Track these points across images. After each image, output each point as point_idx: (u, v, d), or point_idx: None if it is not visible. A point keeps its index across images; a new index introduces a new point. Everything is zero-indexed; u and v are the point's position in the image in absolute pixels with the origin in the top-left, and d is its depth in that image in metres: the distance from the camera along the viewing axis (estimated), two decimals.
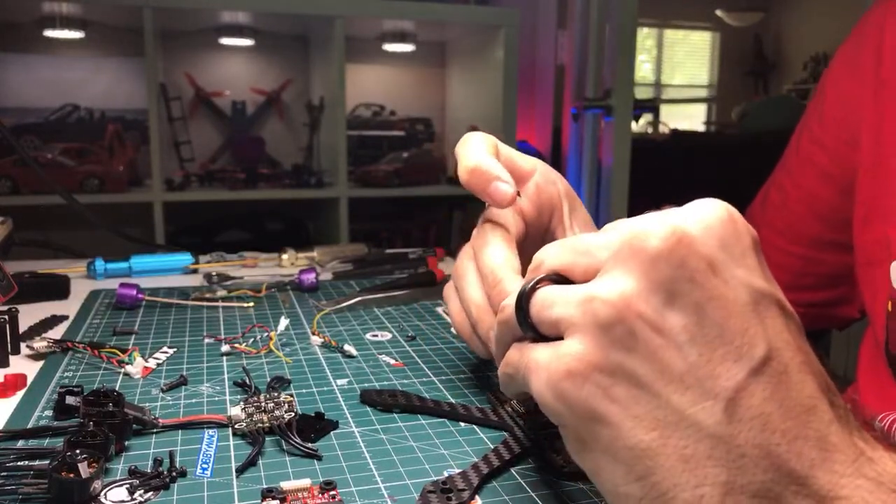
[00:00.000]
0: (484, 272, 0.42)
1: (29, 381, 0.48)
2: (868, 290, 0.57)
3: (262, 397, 0.42)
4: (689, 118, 6.69)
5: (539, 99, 2.86)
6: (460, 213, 2.30)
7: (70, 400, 0.40)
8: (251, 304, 0.68)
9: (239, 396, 0.45)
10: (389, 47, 2.33)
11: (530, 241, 0.47)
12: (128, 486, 0.34)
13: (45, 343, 0.53)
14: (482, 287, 0.43)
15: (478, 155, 0.43)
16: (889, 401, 0.53)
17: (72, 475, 0.32)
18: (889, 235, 0.53)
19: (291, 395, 0.42)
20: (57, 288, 0.72)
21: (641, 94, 6.03)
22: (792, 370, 0.26)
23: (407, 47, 2.34)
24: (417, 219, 2.41)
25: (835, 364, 2.59)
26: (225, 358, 0.53)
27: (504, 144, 0.46)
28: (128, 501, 0.33)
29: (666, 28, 6.67)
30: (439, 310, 0.68)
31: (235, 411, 0.41)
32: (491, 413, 0.43)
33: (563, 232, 0.48)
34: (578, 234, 0.47)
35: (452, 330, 0.59)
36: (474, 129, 2.50)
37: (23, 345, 0.55)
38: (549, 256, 0.32)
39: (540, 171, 0.48)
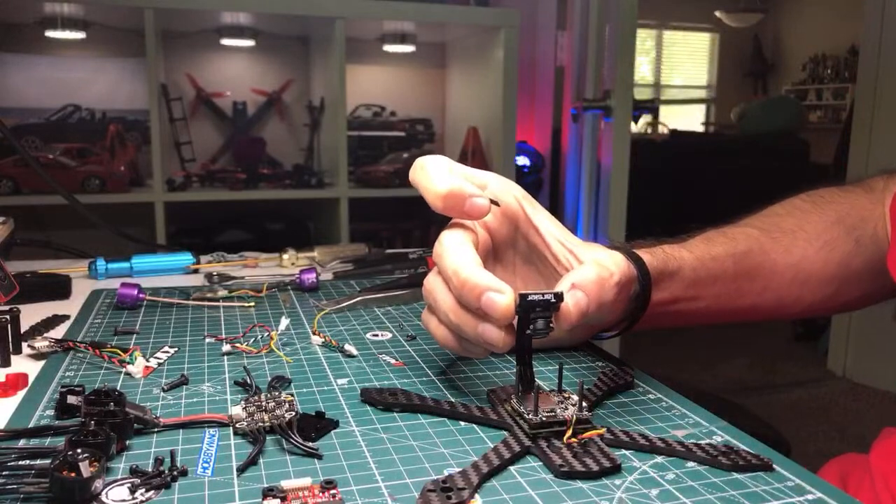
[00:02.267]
0: (448, 274, 0.43)
1: (30, 380, 0.48)
2: None
3: (262, 397, 0.42)
4: (689, 119, 6.69)
5: (539, 99, 2.86)
6: None
7: (71, 399, 0.40)
8: (252, 303, 0.68)
9: (240, 396, 0.46)
10: (390, 48, 2.33)
11: (501, 247, 0.50)
12: (129, 485, 0.34)
13: (46, 343, 0.53)
14: (451, 293, 0.43)
15: (446, 179, 0.45)
16: None
17: (73, 474, 0.32)
18: None
19: (292, 395, 0.42)
20: (58, 288, 0.72)
21: (641, 94, 6.03)
22: None
23: (407, 48, 2.34)
24: (417, 219, 2.41)
25: (833, 364, 2.59)
26: (226, 357, 0.53)
27: (455, 162, 0.47)
28: (129, 500, 0.33)
29: (665, 29, 6.68)
30: None
31: (236, 410, 0.41)
32: (491, 412, 0.43)
33: (536, 231, 0.49)
34: (549, 229, 0.49)
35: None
36: (474, 129, 2.48)
37: (24, 344, 0.55)
38: None
39: (495, 182, 0.49)
